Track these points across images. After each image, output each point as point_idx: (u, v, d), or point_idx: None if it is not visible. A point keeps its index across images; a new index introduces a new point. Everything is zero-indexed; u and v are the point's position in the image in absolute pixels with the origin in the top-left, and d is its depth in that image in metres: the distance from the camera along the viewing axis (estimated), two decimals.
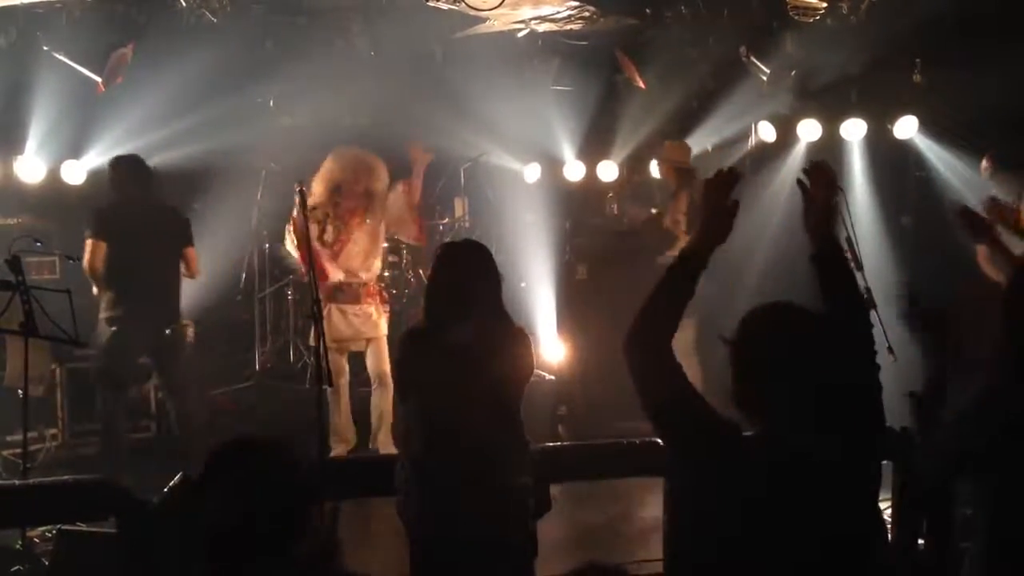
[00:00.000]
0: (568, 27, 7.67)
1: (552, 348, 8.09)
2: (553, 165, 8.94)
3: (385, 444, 6.27)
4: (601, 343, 7.91)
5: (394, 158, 6.72)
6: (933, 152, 7.64)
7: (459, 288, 3.60)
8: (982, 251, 5.36)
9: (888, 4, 6.83)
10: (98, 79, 7.07)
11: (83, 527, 4.53)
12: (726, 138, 8.29)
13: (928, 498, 3.99)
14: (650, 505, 5.76)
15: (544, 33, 7.80)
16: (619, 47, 7.99)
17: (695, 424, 2.44)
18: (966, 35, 6.69)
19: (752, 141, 8.17)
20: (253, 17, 7.19)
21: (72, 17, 6.87)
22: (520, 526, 3.61)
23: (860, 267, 5.68)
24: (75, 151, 7.60)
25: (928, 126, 7.55)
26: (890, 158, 7.82)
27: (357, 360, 7.64)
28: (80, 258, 6.00)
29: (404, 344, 3.72)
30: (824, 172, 2.67)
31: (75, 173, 7.62)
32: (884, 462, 2.58)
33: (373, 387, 6.42)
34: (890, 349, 5.35)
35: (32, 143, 7.31)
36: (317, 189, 6.30)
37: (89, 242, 5.99)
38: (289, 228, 6.38)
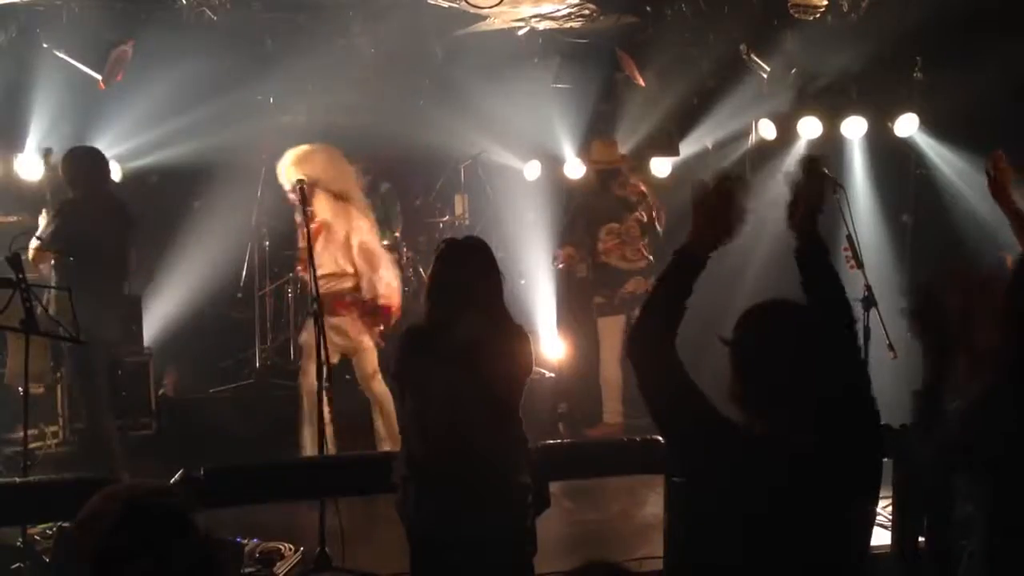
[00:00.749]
0: (568, 25, 7.67)
1: (552, 346, 8.10)
2: (553, 163, 8.94)
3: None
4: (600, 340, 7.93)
5: (395, 156, 6.72)
6: (934, 150, 7.63)
7: (460, 286, 3.59)
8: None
9: (889, 2, 6.83)
10: (98, 76, 7.07)
11: None
12: (726, 136, 8.30)
13: (928, 496, 3.99)
14: (650, 503, 5.77)
15: (544, 31, 7.79)
16: (619, 45, 7.99)
17: (697, 422, 2.44)
18: (967, 33, 6.68)
19: (752, 139, 8.17)
20: (253, 15, 7.19)
21: (72, 14, 6.87)
22: (519, 524, 3.61)
23: (861, 265, 5.70)
24: None
25: (929, 124, 7.54)
26: (890, 156, 7.82)
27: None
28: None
29: (403, 342, 3.70)
30: (817, 167, 2.67)
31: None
32: (884, 460, 2.58)
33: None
34: (890, 346, 5.37)
35: (32, 141, 7.30)
36: (288, 186, 5.96)
37: None
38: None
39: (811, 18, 6.76)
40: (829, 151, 7.60)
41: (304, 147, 6.04)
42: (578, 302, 7.76)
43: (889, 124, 7.65)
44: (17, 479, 5.06)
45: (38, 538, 4.95)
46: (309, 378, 5.88)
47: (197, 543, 2.06)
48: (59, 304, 5.58)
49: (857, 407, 2.48)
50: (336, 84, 7.97)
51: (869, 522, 2.55)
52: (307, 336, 5.95)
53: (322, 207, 5.96)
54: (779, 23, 7.16)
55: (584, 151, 7.95)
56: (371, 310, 6.09)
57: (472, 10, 6.75)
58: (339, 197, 6.02)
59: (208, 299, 8.34)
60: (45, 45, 6.97)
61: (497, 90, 8.02)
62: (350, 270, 6.04)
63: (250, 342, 8.32)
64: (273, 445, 6.18)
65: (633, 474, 5.68)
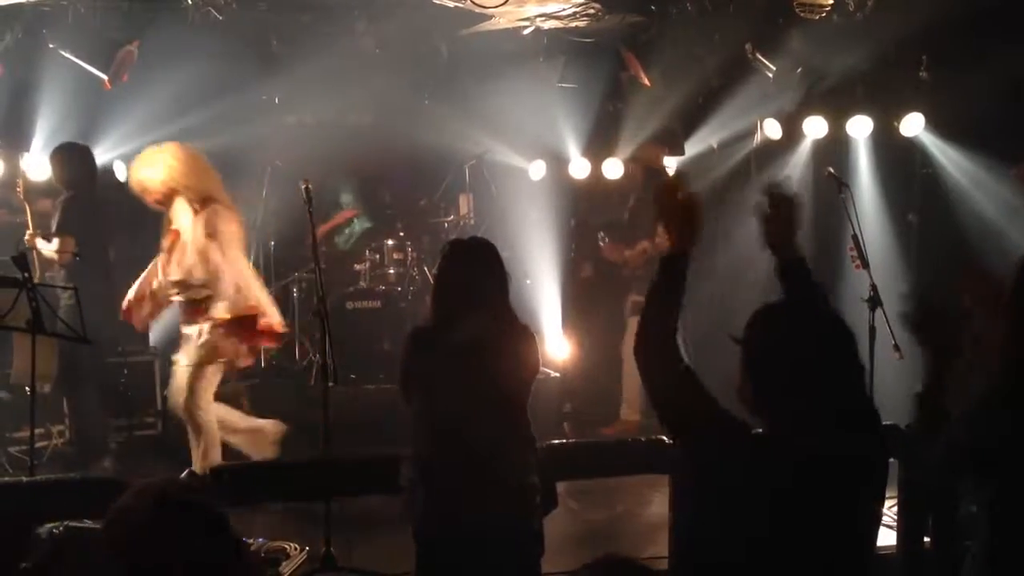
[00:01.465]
0: (573, 24, 7.66)
1: (557, 345, 8.09)
2: (558, 163, 8.94)
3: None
4: (605, 340, 7.93)
5: (399, 156, 6.72)
6: (939, 149, 7.62)
7: (466, 285, 3.58)
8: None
9: (894, 1, 6.82)
10: (104, 77, 7.08)
11: (90, 524, 4.54)
12: (731, 136, 8.29)
13: (932, 497, 3.99)
14: (655, 502, 5.76)
15: (549, 30, 7.79)
16: (624, 44, 7.98)
17: (703, 422, 2.44)
18: (972, 32, 6.67)
19: (758, 138, 8.16)
20: (258, 15, 7.19)
21: (78, 15, 6.88)
22: (527, 524, 3.60)
23: (866, 264, 5.70)
24: None
25: (935, 123, 7.53)
26: (896, 155, 7.80)
27: (361, 359, 7.68)
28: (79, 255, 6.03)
29: (409, 343, 3.68)
30: (781, 195, 2.74)
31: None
32: (890, 460, 2.58)
33: None
34: (896, 347, 5.36)
35: (38, 140, 7.31)
36: (151, 184, 5.58)
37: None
38: None
39: (817, 17, 6.75)
40: (835, 150, 7.60)
41: (156, 148, 5.64)
42: (584, 302, 7.76)
43: (895, 123, 7.64)
44: (24, 478, 5.08)
45: (44, 537, 4.95)
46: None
47: (231, 542, 2.07)
48: (69, 304, 5.62)
49: (862, 408, 2.48)
50: (341, 84, 7.97)
51: (875, 522, 2.55)
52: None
53: (179, 214, 5.60)
54: (784, 22, 7.15)
55: (640, 149, 7.85)
56: (237, 325, 5.62)
57: (477, 10, 6.74)
58: (200, 201, 5.61)
59: None
60: (51, 45, 6.98)
61: (502, 90, 8.01)
62: (201, 280, 5.55)
63: None
64: (278, 444, 6.18)
65: (639, 474, 5.67)
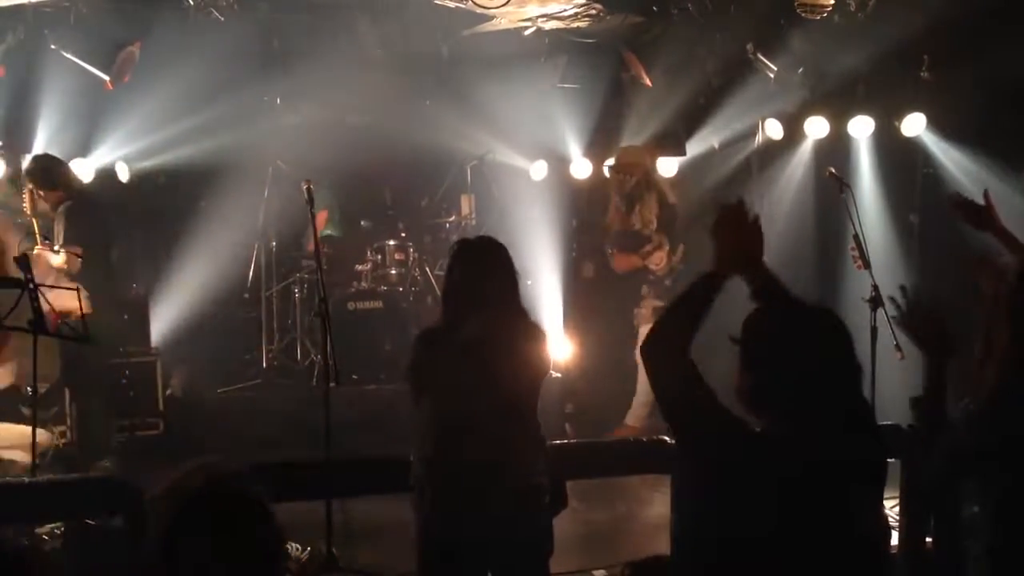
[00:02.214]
0: (575, 25, 7.67)
1: (559, 346, 8.09)
2: (560, 163, 8.94)
3: None
4: (607, 341, 7.94)
5: (401, 156, 6.72)
6: (941, 149, 7.61)
7: (475, 285, 3.57)
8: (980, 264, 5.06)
9: (896, 1, 6.82)
10: (106, 77, 7.09)
11: (91, 524, 4.55)
12: (733, 136, 8.29)
13: (934, 497, 3.98)
14: (656, 502, 5.77)
15: (551, 31, 7.79)
16: (626, 45, 7.98)
17: (707, 421, 2.44)
18: (974, 32, 6.67)
19: (759, 138, 8.15)
20: (260, 15, 7.20)
21: (80, 15, 6.89)
22: (536, 524, 3.59)
23: (868, 264, 5.70)
24: (83, 149, 7.62)
25: (936, 123, 7.51)
26: (898, 155, 7.79)
27: (363, 359, 7.68)
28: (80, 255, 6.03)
29: (418, 343, 3.67)
30: (733, 213, 2.56)
31: (83, 171, 7.64)
32: (891, 460, 2.58)
33: None
34: (898, 347, 5.36)
35: (40, 141, 7.32)
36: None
37: None
38: None
39: (818, 17, 6.75)
40: (836, 150, 7.60)
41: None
42: (585, 302, 7.76)
43: (896, 124, 7.63)
44: (25, 479, 5.08)
45: (46, 537, 4.97)
46: None
47: (276, 532, 2.08)
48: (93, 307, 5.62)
49: (856, 408, 2.48)
50: (342, 84, 7.98)
51: (881, 525, 2.54)
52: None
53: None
54: (786, 22, 7.15)
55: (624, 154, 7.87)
56: None
57: (479, 10, 6.75)
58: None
59: (215, 300, 8.36)
60: (53, 46, 6.98)
61: (503, 90, 8.02)
62: None
63: (257, 342, 8.34)
64: (280, 444, 6.19)
65: (641, 474, 5.68)
